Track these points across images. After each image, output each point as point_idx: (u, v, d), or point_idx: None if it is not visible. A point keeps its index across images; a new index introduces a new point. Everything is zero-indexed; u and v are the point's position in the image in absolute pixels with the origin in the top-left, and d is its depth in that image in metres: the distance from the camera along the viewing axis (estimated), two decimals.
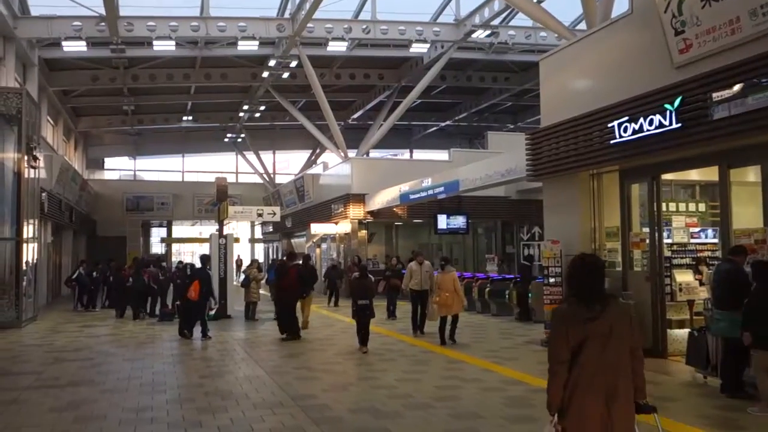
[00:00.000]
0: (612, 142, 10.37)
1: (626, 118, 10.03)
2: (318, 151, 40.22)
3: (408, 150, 41.52)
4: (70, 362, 10.76)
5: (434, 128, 39.18)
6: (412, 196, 20.75)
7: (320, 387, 8.49)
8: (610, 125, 10.39)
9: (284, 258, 14.95)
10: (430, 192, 19.38)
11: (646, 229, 11.00)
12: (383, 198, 22.89)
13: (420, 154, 40.90)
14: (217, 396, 8.02)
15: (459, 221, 25.28)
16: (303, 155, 41.93)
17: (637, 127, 9.83)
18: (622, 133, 10.14)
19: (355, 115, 33.62)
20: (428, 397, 7.88)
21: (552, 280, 11.79)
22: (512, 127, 36.80)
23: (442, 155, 33.19)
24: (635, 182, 11.12)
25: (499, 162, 15.78)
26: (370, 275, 12.91)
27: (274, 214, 18.49)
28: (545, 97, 12.90)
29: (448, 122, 37.11)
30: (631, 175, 11.07)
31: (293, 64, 24.92)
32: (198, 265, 14.58)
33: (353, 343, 12.10)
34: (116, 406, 7.57)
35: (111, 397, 8.00)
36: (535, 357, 10.48)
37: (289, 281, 13.80)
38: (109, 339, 13.71)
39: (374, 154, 28.67)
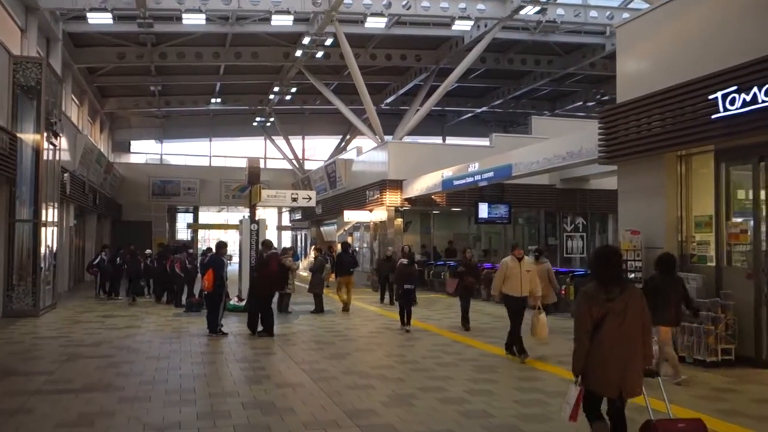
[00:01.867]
0: (714, 117, 8.86)
1: (734, 88, 8.52)
2: (348, 137, 39.00)
3: (441, 137, 40.03)
4: (87, 360, 9.55)
5: (469, 114, 37.78)
6: (456, 182, 19.29)
7: (378, 399, 7.13)
8: (711, 97, 8.88)
9: (262, 247, 13.45)
10: (478, 178, 17.90)
11: (739, 219, 9.52)
12: (423, 184, 21.47)
13: (454, 141, 39.47)
14: (257, 409, 6.71)
15: (501, 210, 23.81)
16: (331, 141, 40.83)
17: (749, 98, 8.31)
18: (728, 106, 8.64)
19: (388, 100, 32.27)
20: (510, 415, 6.50)
21: (633, 275, 10.32)
22: (549, 114, 35.20)
23: (477, 142, 31.84)
24: (736, 164, 9.59)
25: (558, 145, 14.25)
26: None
27: (310, 198, 17.18)
28: (623, 69, 11.36)
29: (484, 108, 35.57)
30: (730, 156, 9.55)
31: (328, 42, 23.64)
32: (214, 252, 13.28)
33: (403, 342, 10.83)
34: (137, 421, 6.27)
35: (131, 409, 6.71)
36: None
37: (270, 273, 12.48)
38: (131, 332, 12.51)
39: (407, 140, 27.14)
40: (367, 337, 12.04)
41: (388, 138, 26.76)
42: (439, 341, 11.42)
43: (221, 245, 12.73)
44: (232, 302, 15.06)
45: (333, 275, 17.53)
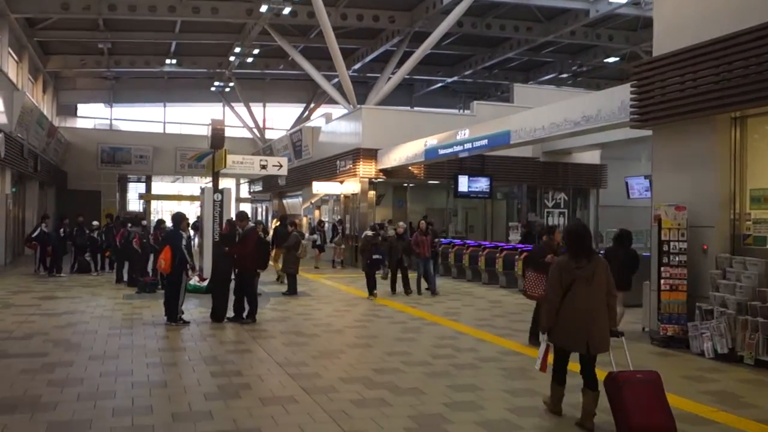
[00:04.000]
0: None
1: None
2: (313, 105, 36.92)
3: (408, 108, 38.29)
4: (12, 360, 7.56)
5: (439, 84, 36.15)
6: (442, 152, 17.54)
7: (401, 424, 5.38)
8: None
9: (236, 219, 11.45)
10: (469, 147, 16.16)
11: None
12: (402, 154, 19.68)
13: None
14: None
15: (482, 184, 22.35)
16: (293, 110, 38.68)
17: None
18: None
19: (356, 66, 30.23)
20: None
21: (676, 259, 8.79)
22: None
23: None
24: None
25: (570, 108, 12.56)
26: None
27: (281, 166, 15.27)
28: (662, 15, 9.69)
29: (455, 78, 33.89)
30: None
31: None
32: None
33: (399, 334, 9.19)
34: None
35: None
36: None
37: (247, 249, 10.49)
38: (72, 319, 10.47)
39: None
40: (355, 327, 10.29)
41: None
42: (441, 332, 9.76)
43: (180, 218, 10.74)
44: (192, 282, 13.07)
45: (320, 253, 16.79)
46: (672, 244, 8.84)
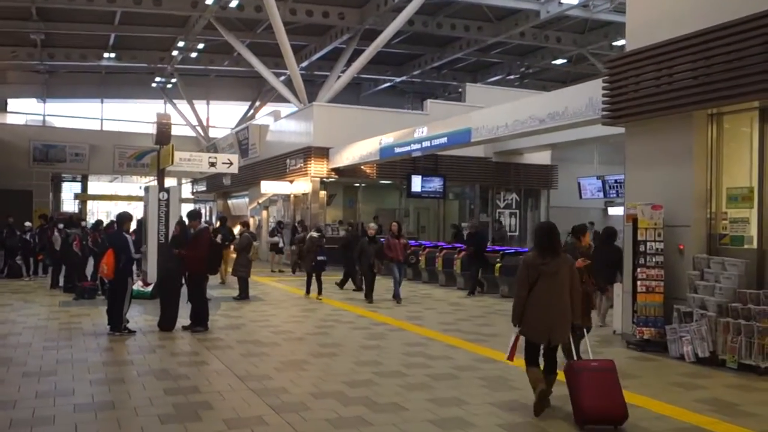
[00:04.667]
0: None
1: None
2: (258, 103, 35.98)
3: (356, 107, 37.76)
4: None
5: (387, 84, 35.75)
6: (398, 150, 17.05)
7: None
8: None
9: (188, 219, 10.53)
10: (426, 144, 15.71)
11: None
12: (355, 152, 19.11)
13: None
14: None
15: (435, 183, 21.97)
16: (237, 108, 37.69)
17: None
18: None
19: (303, 64, 29.49)
20: None
21: (653, 260, 8.49)
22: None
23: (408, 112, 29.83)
24: None
25: (536, 105, 12.22)
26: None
27: (231, 163, 14.47)
28: (637, 8, 9.40)
29: (404, 77, 33.56)
30: None
31: None
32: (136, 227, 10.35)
33: (364, 340, 8.64)
34: None
35: None
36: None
37: (200, 252, 9.70)
38: (1, 331, 9.46)
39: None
40: (317, 334, 9.64)
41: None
42: (408, 339, 9.23)
43: (125, 218, 9.90)
44: (135, 287, 12.15)
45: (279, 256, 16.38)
46: (648, 244, 8.54)
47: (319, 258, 13.65)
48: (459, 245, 16.37)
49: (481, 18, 25.34)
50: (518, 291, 5.78)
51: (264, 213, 25.98)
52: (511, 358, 5.76)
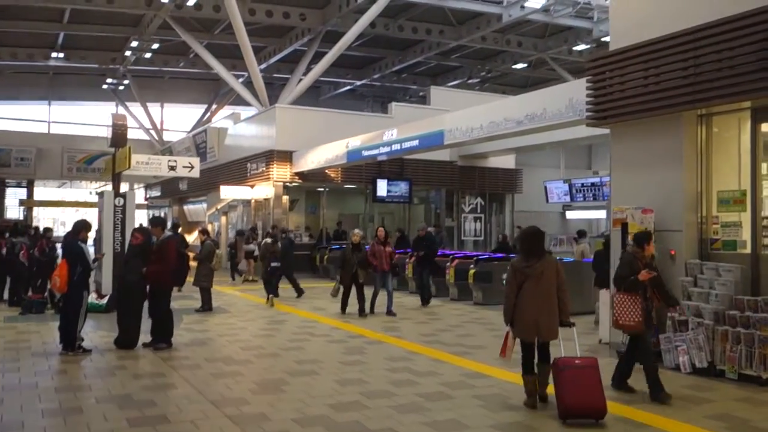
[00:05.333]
0: None
1: None
2: (215, 106, 35.08)
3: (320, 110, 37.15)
4: None
5: (347, 88, 35.24)
6: (365, 153, 16.53)
7: None
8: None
9: (151, 226, 9.56)
10: (396, 148, 15.22)
11: None
12: (321, 156, 18.52)
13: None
14: None
15: (401, 188, 21.59)
16: (192, 111, 36.68)
17: None
18: None
19: (262, 66, 28.74)
20: None
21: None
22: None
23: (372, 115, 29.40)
24: None
25: (513, 106, 11.85)
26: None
27: (192, 167, 13.73)
28: (622, 6, 9.10)
29: (364, 81, 33.13)
30: None
31: None
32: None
33: (343, 355, 8.08)
34: None
35: None
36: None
37: (166, 266, 8.92)
38: None
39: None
40: (291, 348, 9.00)
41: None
42: (389, 353, 8.69)
43: (81, 226, 9.12)
44: (89, 300, 11.30)
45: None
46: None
47: (272, 264, 13.82)
48: (409, 250, 15.63)
49: (442, 21, 25.19)
50: (507, 293, 6.19)
51: (223, 219, 25.15)
52: (502, 353, 6.15)
